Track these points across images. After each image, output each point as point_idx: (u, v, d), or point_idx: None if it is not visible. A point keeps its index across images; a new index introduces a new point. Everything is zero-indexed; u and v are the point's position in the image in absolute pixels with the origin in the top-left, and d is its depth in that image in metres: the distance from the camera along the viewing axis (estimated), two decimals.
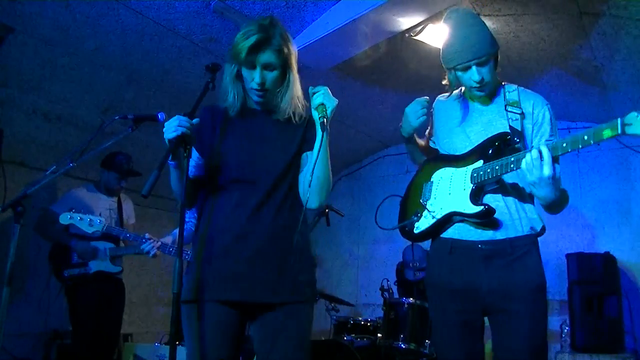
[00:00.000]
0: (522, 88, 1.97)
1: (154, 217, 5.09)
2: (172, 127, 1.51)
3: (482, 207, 1.79)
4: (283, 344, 1.60)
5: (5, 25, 3.11)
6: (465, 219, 1.83)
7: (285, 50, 1.64)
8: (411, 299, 3.71)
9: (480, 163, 1.83)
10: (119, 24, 3.23)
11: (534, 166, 1.63)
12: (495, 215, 1.79)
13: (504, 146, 1.82)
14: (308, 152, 1.72)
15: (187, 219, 2.86)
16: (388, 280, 4.12)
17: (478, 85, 1.85)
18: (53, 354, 4.04)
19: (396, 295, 4.32)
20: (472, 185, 1.83)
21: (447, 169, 1.95)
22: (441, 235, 1.90)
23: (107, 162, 3.57)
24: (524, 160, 1.66)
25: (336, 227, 5.05)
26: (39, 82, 3.64)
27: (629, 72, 3.59)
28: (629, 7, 2.83)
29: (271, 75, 1.64)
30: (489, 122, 1.92)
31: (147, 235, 3.05)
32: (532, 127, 1.89)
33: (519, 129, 1.86)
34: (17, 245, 2.16)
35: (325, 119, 1.57)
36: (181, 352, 3.94)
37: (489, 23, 3.27)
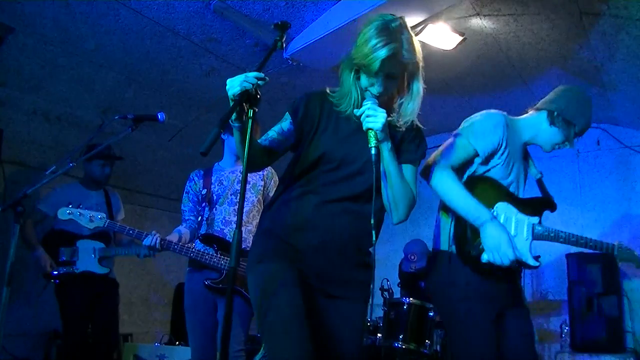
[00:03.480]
0: None
1: (155, 217, 5.10)
2: (237, 82, 1.41)
3: (539, 264, 2.06)
4: (348, 337, 1.64)
5: (5, 25, 3.11)
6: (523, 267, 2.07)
7: (413, 61, 1.59)
8: (411, 298, 3.71)
9: (537, 219, 2.11)
10: (119, 24, 3.23)
11: None
12: None
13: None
14: (402, 165, 1.67)
15: (186, 217, 2.84)
16: (388, 280, 4.11)
17: (561, 148, 2.23)
18: (53, 354, 4.04)
19: (396, 295, 4.31)
20: (532, 238, 2.08)
21: (511, 207, 2.06)
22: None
23: (87, 153, 3.49)
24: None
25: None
26: (39, 82, 3.64)
27: (629, 72, 3.58)
28: (629, 7, 2.83)
29: (391, 84, 1.60)
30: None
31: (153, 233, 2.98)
32: None
33: None
34: (17, 245, 2.16)
35: (376, 147, 1.52)
36: (182, 352, 3.93)
37: (489, 23, 3.29)
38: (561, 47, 3.49)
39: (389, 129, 1.61)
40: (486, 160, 2.04)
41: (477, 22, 3.30)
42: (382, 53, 1.49)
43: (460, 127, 2.11)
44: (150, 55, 3.59)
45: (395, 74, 1.57)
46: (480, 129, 2.02)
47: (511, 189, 2.09)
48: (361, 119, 1.55)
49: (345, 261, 1.65)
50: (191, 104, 4.17)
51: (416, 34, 3.36)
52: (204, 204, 2.78)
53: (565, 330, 4.06)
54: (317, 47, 3.40)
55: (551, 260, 4.50)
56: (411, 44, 1.57)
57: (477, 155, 2.02)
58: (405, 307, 3.67)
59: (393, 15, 1.59)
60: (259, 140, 1.67)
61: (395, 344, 3.59)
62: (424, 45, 3.63)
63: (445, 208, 2.09)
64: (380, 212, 1.71)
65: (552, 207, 2.22)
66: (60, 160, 2.33)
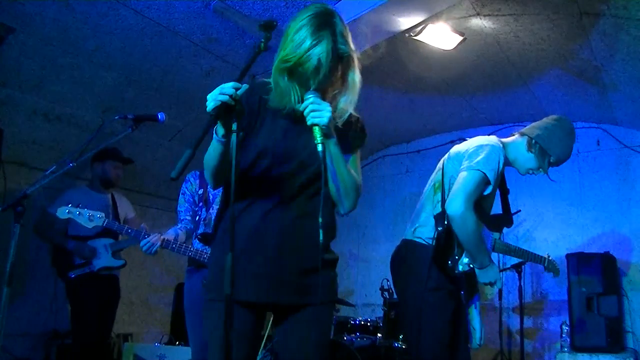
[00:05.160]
0: None
1: (154, 217, 5.10)
2: (213, 96, 1.33)
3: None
4: (305, 346, 1.57)
5: (5, 25, 3.10)
6: None
7: (348, 53, 1.52)
8: None
9: (497, 235, 2.39)
10: (119, 24, 3.23)
11: None
12: None
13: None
14: (346, 155, 1.62)
15: (181, 217, 2.85)
16: (388, 280, 4.11)
17: (536, 174, 2.42)
18: (53, 354, 4.04)
19: (396, 296, 4.32)
20: (491, 251, 2.34)
21: (481, 224, 2.31)
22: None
23: (101, 154, 3.54)
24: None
25: (336, 227, 5.04)
26: (39, 82, 3.64)
27: (629, 72, 3.58)
28: (629, 7, 2.83)
29: (327, 78, 1.51)
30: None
31: (143, 226, 3.01)
32: None
33: None
34: (17, 245, 2.16)
35: (322, 144, 1.43)
36: (182, 352, 3.94)
37: (489, 23, 3.29)
38: (561, 47, 3.49)
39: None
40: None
41: (477, 22, 3.30)
42: (317, 51, 1.43)
43: (471, 159, 2.22)
44: (150, 55, 3.59)
45: (331, 68, 1.49)
46: (494, 164, 2.20)
47: (487, 206, 2.34)
48: (305, 114, 1.45)
49: (303, 265, 1.57)
50: (191, 104, 4.16)
51: (416, 34, 3.38)
52: (200, 204, 2.79)
53: (565, 330, 4.06)
54: None
55: None
56: (344, 35, 1.50)
57: (489, 184, 2.22)
58: None
59: (322, 4, 1.53)
60: None
61: (395, 344, 3.60)
62: (424, 45, 3.67)
63: (432, 199, 2.33)
64: (329, 208, 1.65)
65: (509, 224, 2.48)
66: (60, 160, 2.33)
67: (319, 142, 1.43)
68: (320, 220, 1.44)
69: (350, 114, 1.65)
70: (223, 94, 1.33)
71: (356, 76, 1.59)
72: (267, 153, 1.56)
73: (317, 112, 1.44)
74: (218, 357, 1.48)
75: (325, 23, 1.47)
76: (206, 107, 1.35)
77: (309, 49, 1.43)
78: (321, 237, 1.45)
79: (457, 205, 2.09)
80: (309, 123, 1.45)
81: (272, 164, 1.56)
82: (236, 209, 1.56)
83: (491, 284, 2.21)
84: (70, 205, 2.84)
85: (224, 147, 1.45)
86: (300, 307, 1.59)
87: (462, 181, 2.15)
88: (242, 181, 1.55)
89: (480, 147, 2.24)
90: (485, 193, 2.23)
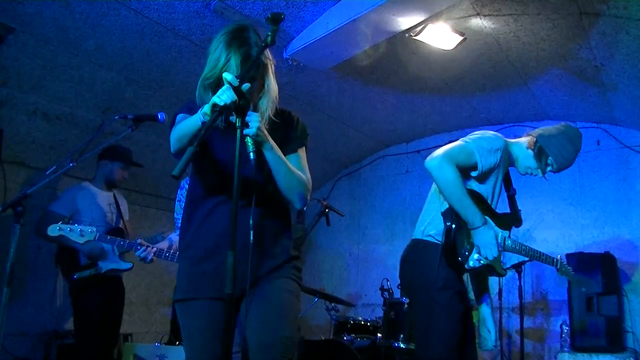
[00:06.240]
0: None
1: (154, 217, 5.10)
2: (222, 91, 1.44)
3: (506, 273, 2.42)
4: (263, 312, 1.66)
5: (5, 25, 3.11)
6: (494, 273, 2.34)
7: (264, 61, 1.67)
8: None
9: (507, 233, 2.34)
10: (119, 24, 3.23)
11: None
12: None
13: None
14: (290, 155, 1.75)
15: (179, 225, 2.87)
16: (388, 280, 4.12)
17: (535, 175, 2.42)
18: (53, 354, 4.04)
19: (396, 295, 4.32)
20: (502, 249, 2.30)
21: (490, 221, 2.26)
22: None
23: (110, 153, 3.55)
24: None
25: (336, 227, 5.05)
26: (39, 82, 3.64)
27: (629, 72, 3.58)
28: (629, 7, 2.83)
29: (252, 86, 1.63)
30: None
31: (138, 240, 3.05)
32: None
33: None
34: (17, 245, 2.16)
35: (254, 152, 1.54)
36: (182, 352, 3.93)
37: (489, 23, 3.29)
38: (561, 47, 3.49)
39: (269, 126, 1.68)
40: (481, 179, 2.26)
41: (477, 22, 3.30)
42: (236, 59, 1.58)
43: (469, 136, 2.26)
44: (150, 55, 3.59)
45: (253, 75, 1.62)
46: (487, 147, 2.20)
47: (491, 204, 2.33)
48: (237, 126, 1.54)
49: (263, 260, 1.71)
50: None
51: (416, 34, 3.38)
52: None
53: (565, 330, 4.06)
54: (317, 47, 3.40)
55: None
56: (258, 45, 1.62)
57: (475, 168, 2.20)
58: (405, 307, 3.67)
59: (235, 24, 1.70)
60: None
61: (395, 344, 3.59)
62: (424, 45, 3.67)
63: (438, 197, 2.30)
64: (279, 209, 1.78)
65: (519, 223, 2.46)
66: (60, 160, 2.33)
67: (250, 150, 1.54)
68: (250, 222, 1.58)
69: (291, 115, 1.83)
70: (221, 99, 1.43)
71: (271, 82, 1.72)
72: (222, 160, 1.69)
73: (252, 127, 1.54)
74: (206, 357, 1.63)
75: (236, 38, 1.62)
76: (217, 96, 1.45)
77: (227, 60, 1.60)
78: (251, 237, 1.57)
79: (435, 158, 2.13)
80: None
81: (218, 173, 1.69)
82: (202, 212, 1.72)
83: (489, 250, 2.16)
84: (60, 222, 2.88)
85: (202, 129, 1.49)
86: (253, 286, 1.68)
87: (450, 144, 2.21)
88: (204, 184, 1.73)
89: (483, 133, 2.30)
90: (474, 174, 2.23)
